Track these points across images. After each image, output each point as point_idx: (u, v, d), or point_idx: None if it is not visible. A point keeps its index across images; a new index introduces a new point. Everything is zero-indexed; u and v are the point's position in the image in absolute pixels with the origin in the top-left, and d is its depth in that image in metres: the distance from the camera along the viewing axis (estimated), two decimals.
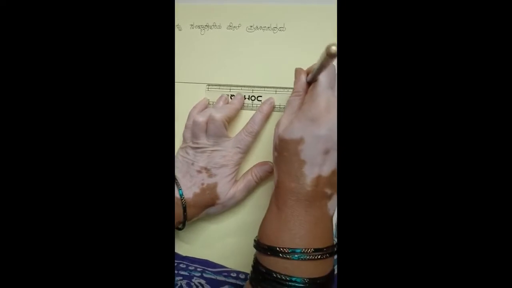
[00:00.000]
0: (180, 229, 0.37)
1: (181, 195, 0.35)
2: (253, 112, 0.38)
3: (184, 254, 0.40)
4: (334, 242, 0.29)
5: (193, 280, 0.38)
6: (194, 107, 0.39)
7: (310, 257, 0.26)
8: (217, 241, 0.40)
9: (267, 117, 0.38)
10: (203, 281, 0.38)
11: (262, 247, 0.28)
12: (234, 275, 0.38)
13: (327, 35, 0.37)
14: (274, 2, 0.38)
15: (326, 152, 0.27)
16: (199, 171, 0.36)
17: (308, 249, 0.26)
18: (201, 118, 0.36)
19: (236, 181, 0.37)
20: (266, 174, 0.37)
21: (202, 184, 0.36)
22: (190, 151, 0.37)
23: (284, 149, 0.28)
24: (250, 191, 0.38)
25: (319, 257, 0.27)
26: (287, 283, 0.26)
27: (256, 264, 0.29)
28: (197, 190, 0.36)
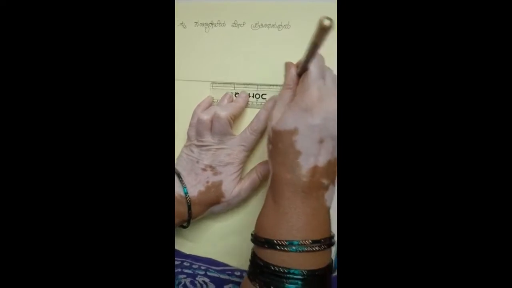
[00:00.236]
0: (184, 227, 0.37)
1: (185, 193, 0.35)
2: (258, 110, 0.37)
3: (188, 252, 0.40)
4: (332, 234, 0.29)
5: (197, 278, 0.38)
6: (199, 105, 0.39)
7: (308, 249, 0.26)
8: (221, 240, 0.40)
9: None
10: (207, 280, 0.38)
11: (259, 240, 0.28)
12: (238, 273, 0.38)
13: (332, 32, 0.37)
14: None
15: (321, 141, 0.27)
16: (204, 169, 0.36)
17: (306, 240, 0.26)
18: (206, 116, 0.36)
19: (241, 179, 0.37)
20: None
21: (207, 182, 0.36)
22: (195, 149, 0.37)
23: (279, 140, 0.28)
24: (255, 189, 0.38)
25: (317, 248, 0.27)
26: (285, 275, 0.26)
27: (254, 257, 0.29)
28: (202, 188, 0.36)
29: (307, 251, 0.26)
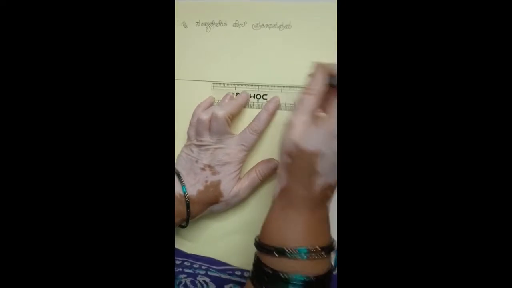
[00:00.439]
0: (183, 227, 0.37)
1: (184, 192, 0.35)
2: (259, 110, 0.37)
3: (188, 252, 0.40)
4: (332, 239, 0.29)
5: (197, 278, 0.38)
6: (199, 105, 0.39)
7: (318, 256, 0.27)
8: (221, 239, 0.40)
9: (272, 115, 0.37)
10: (207, 279, 0.38)
11: (267, 248, 0.28)
12: (239, 273, 0.38)
13: (333, 33, 0.37)
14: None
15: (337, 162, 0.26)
16: (203, 169, 0.36)
17: (315, 248, 0.27)
18: (205, 116, 0.36)
19: (240, 179, 0.37)
20: (271, 172, 0.37)
21: (206, 181, 0.36)
22: (194, 149, 0.37)
23: (299, 158, 0.27)
24: (254, 189, 0.38)
25: (324, 255, 0.27)
26: (294, 282, 0.26)
27: (259, 264, 0.28)
28: (201, 187, 0.36)
29: (316, 258, 0.27)
